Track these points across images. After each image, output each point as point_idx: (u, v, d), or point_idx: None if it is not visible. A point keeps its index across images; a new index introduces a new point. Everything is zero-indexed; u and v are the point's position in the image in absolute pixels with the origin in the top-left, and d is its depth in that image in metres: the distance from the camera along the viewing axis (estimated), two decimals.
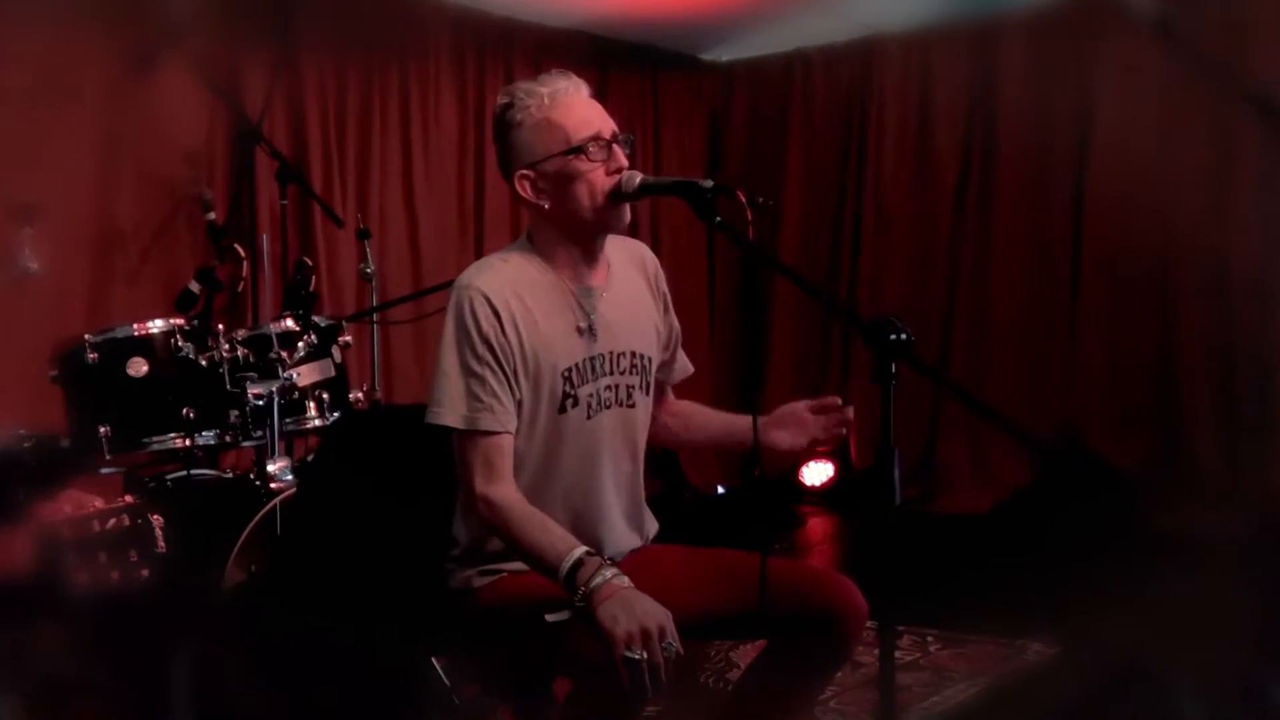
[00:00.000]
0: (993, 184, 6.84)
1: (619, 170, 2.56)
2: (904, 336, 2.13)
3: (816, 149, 7.57)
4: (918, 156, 7.15)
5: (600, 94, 2.67)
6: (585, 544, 2.42)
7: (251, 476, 4.09)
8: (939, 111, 7.03)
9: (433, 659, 3.17)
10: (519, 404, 2.56)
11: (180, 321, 4.00)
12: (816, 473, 7.27)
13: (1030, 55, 6.63)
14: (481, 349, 2.51)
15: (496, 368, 2.51)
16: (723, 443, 2.95)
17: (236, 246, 4.48)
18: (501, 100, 2.61)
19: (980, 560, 5.53)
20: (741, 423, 2.81)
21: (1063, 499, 6.05)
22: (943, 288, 7.03)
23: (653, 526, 2.85)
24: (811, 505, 7.03)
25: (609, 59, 7.21)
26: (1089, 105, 6.44)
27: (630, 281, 2.76)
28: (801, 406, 2.76)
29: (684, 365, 2.95)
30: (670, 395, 2.99)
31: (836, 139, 7.47)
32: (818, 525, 6.72)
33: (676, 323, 2.89)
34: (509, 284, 2.56)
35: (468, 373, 2.51)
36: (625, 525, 2.74)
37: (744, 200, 2.40)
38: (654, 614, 2.27)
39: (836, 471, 7.26)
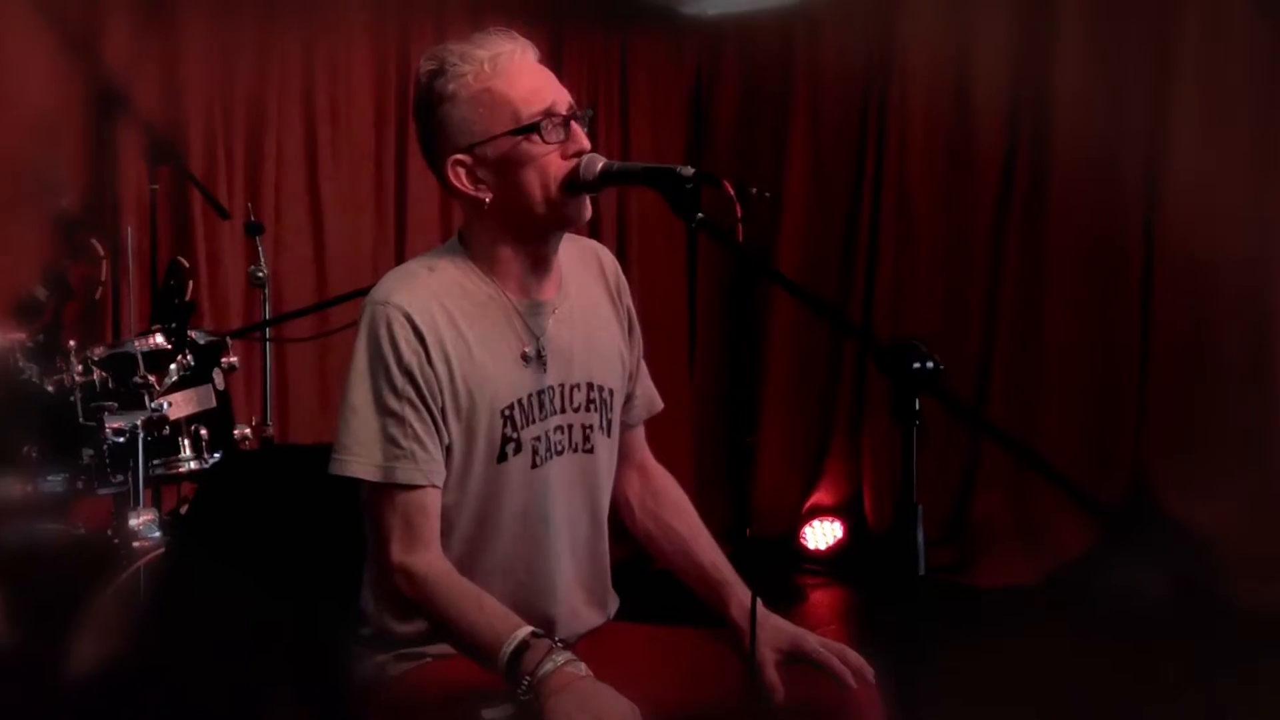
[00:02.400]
0: (1045, 177, 6.84)
1: (579, 153, 2.57)
2: (931, 365, 2.12)
3: (825, 129, 7.58)
4: (951, 141, 7.16)
5: (554, 58, 2.69)
6: (532, 623, 2.43)
7: (109, 533, 4.07)
8: (979, 85, 7.03)
9: None
10: (447, 450, 2.55)
11: (21, 336, 3.99)
12: (822, 534, 7.29)
13: (1094, 16, 6.66)
14: (401, 382, 2.50)
15: (420, 405, 2.51)
16: (695, 589, 2.87)
17: (94, 242, 4.47)
18: (428, 66, 2.59)
19: (1026, 644, 5.54)
20: (733, 592, 2.78)
21: (1130, 570, 6.07)
22: (980, 305, 7.05)
23: (614, 601, 2.86)
24: (815, 574, 7.04)
25: (565, 13, 7.23)
26: (1166, 78, 6.47)
27: (587, 293, 2.77)
28: (813, 646, 2.67)
29: (649, 398, 2.95)
30: (646, 455, 2.98)
31: (850, 117, 7.48)
32: (822, 599, 6.73)
33: (641, 340, 2.89)
34: (436, 299, 2.55)
35: (383, 411, 2.50)
36: (582, 599, 2.75)
37: (733, 192, 2.40)
38: (617, 709, 2.28)
39: (846, 533, 7.28)
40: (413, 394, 2.50)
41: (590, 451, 2.72)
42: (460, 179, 2.58)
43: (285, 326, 5.32)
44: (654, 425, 2.99)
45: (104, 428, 3.99)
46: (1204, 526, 6.23)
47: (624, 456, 2.88)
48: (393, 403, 2.50)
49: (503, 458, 2.59)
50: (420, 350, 2.50)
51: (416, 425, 2.50)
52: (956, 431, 6.87)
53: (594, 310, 2.77)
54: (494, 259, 2.62)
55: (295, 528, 2.87)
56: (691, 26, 7.95)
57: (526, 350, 2.61)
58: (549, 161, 2.54)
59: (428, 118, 2.60)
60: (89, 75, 5.41)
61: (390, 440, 2.50)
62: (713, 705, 2.62)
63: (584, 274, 2.78)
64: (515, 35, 2.60)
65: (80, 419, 3.99)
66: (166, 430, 4.15)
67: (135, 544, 3.95)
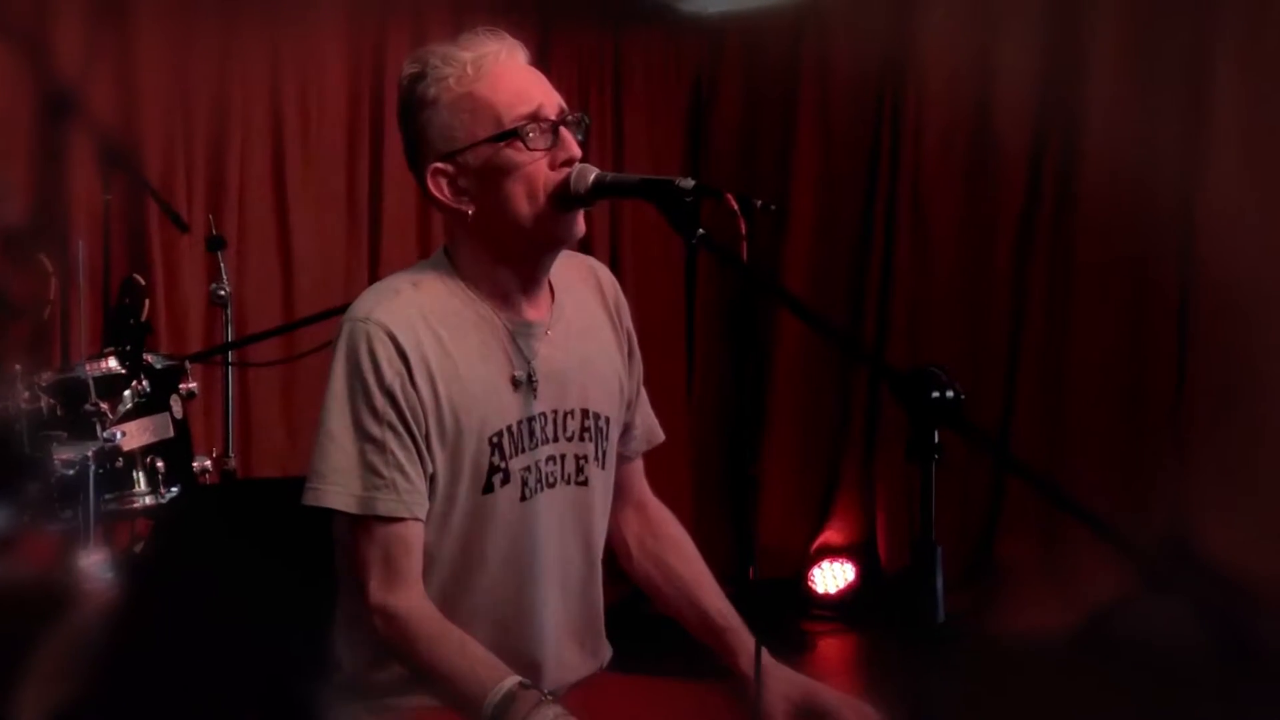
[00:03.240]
0: (1074, 191, 6.80)
1: (569, 162, 2.57)
2: (951, 394, 2.11)
3: (835, 137, 7.58)
4: (973, 148, 7.15)
5: (541, 59, 2.69)
6: (518, 671, 2.43)
7: (57, 574, 4.07)
8: (1002, 91, 7.02)
9: None
10: (431, 480, 2.56)
11: None
12: (831, 576, 7.27)
13: (1129, 18, 6.65)
14: (382, 404, 2.50)
15: (402, 430, 2.51)
16: (699, 636, 2.89)
17: (41, 257, 4.48)
18: (410, 68, 2.62)
19: (1053, 697, 5.54)
20: (741, 639, 2.79)
21: (1167, 617, 6.07)
22: (1004, 330, 7.03)
23: (607, 649, 2.86)
24: (824, 620, 7.03)
25: (554, 10, 7.23)
26: (1205, 91, 6.47)
27: (583, 314, 2.78)
28: (826, 699, 2.69)
29: (649, 428, 2.96)
30: (644, 491, 2.99)
31: (863, 124, 7.47)
32: (832, 647, 6.72)
33: (640, 365, 2.90)
34: (421, 317, 2.56)
35: (363, 436, 2.51)
36: (573, 646, 2.75)
37: (736, 206, 2.40)
38: None
39: (859, 575, 7.27)
40: (395, 418, 2.50)
41: (584, 484, 2.72)
42: (441, 189, 2.59)
43: (250, 350, 5.33)
44: (650, 457, 3.00)
45: (52, 459, 3.99)
46: (1246, 570, 6.23)
47: (620, 492, 2.88)
48: (373, 427, 2.50)
49: (489, 489, 2.59)
50: (403, 371, 2.51)
51: (399, 452, 2.50)
52: (978, 466, 6.85)
53: (590, 332, 2.78)
54: (481, 275, 2.62)
55: (260, 569, 2.86)
56: (691, 25, 7.93)
57: (516, 373, 2.62)
58: (535, 171, 2.55)
59: (409, 123, 2.62)
60: (37, 77, 5.42)
61: (370, 468, 2.50)
62: None
63: (580, 293, 2.79)
64: (504, 35, 2.61)
65: (26, 449, 4.00)
66: (120, 462, 4.15)
67: (86, 586, 3.95)
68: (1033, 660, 6.27)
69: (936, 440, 2.11)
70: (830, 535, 7.46)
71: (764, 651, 2.60)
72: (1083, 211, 6.78)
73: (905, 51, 7.31)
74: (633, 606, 3.02)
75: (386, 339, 2.51)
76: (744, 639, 2.77)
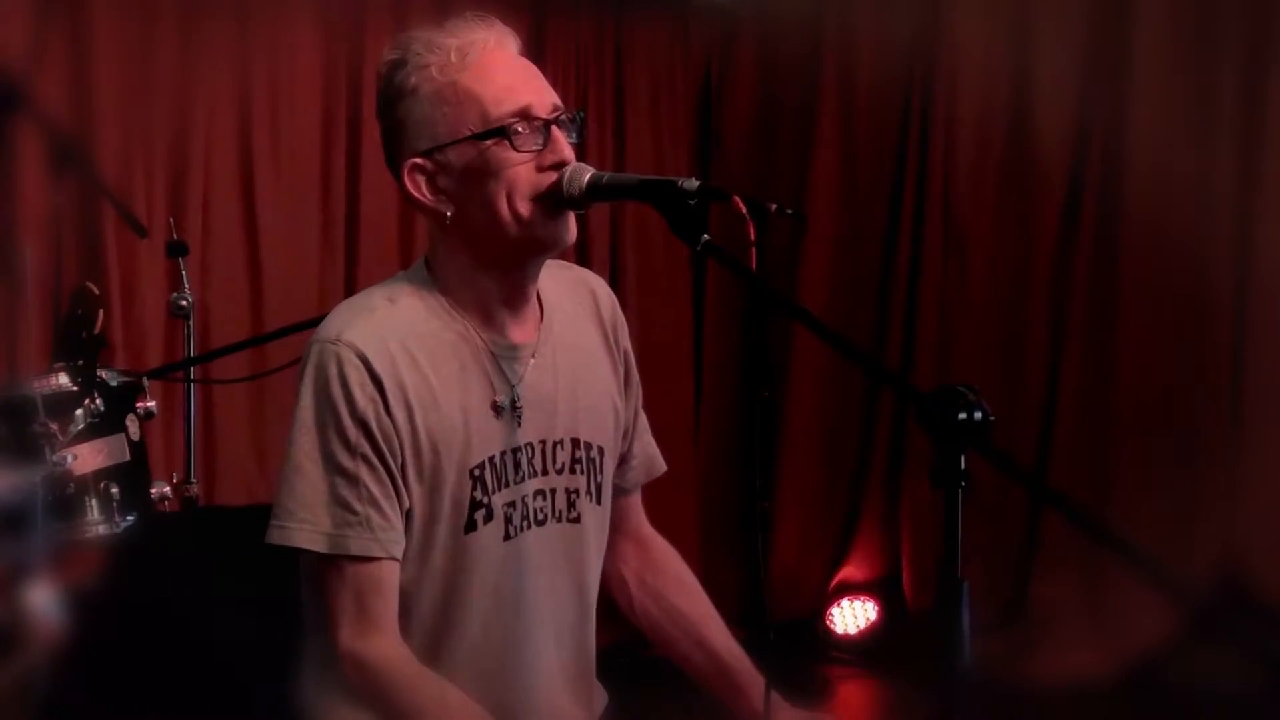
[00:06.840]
0: (1118, 201, 6.81)
1: (560, 163, 2.56)
2: (980, 415, 2.09)
3: (858, 137, 7.57)
4: (1010, 149, 7.15)
5: (535, 51, 2.68)
6: None
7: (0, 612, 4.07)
8: (1044, 82, 7.02)
9: None
10: (407, 516, 2.55)
11: None
12: (851, 615, 7.27)
13: (1178, 16, 6.65)
14: (354, 434, 2.50)
15: (376, 462, 2.50)
16: (705, 680, 2.90)
17: None
18: (390, 54, 2.61)
19: None
20: (754, 682, 2.80)
21: (1218, 664, 6.06)
22: (1043, 350, 7.03)
23: (602, 696, 2.85)
24: (844, 663, 7.03)
25: None
26: (1262, 91, 6.47)
27: (574, 334, 2.78)
28: None
29: (649, 458, 2.96)
30: (643, 524, 2.99)
31: (888, 123, 7.48)
32: (852, 693, 6.71)
33: (639, 390, 2.90)
34: (396, 338, 2.55)
35: (333, 469, 2.50)
36: (566, 696, 2.75)
37: (745, 209, 2.39)
38: None
39: (881, 614, 7.27)
40: (368, 449, 2.49)
41: (576, 521, 2.71)
42: (418, 187, 2.58)
43: (214, 365, 5.33)
44: (651, 488, 2.99)
45: None
46: None
47: (617, 527, 2.88)
48: (344, 459, 2.49)
49: (471, 527, 2.59)
50: (377, 397, 2.50)
51: (372, 486, 2.49)
52: (1013, 499, 6.85)
53: (583, 354, 2.77)
54: (462, 286, 2.61)
55: (223, 605, 2.86)
56: (700, 11, 7.90)
57: (498, 399, 2.61)
58: (522, 173, 2.54)
59: (386, 115, 2.62)
60: None
61: (341, 504, 2.49)
62: None
63: (572, 310, 2.79)
64: (494, 22, 2.60)
65: None
66: (70, 488, 4.14)
67: (32, 625, 3.94)
68: (1071, 711, 6.26)
69: (964, 466, 2.08)
70: (850, 571, 7.46)
71: (774, 693, 2.60)
72: (1128, 225, 6.77)
73: (936, 45, 7.29)
74: (628, 649, 3.02)
75: (359, 363, 2.50)
76: (756, 678, 2.77)
